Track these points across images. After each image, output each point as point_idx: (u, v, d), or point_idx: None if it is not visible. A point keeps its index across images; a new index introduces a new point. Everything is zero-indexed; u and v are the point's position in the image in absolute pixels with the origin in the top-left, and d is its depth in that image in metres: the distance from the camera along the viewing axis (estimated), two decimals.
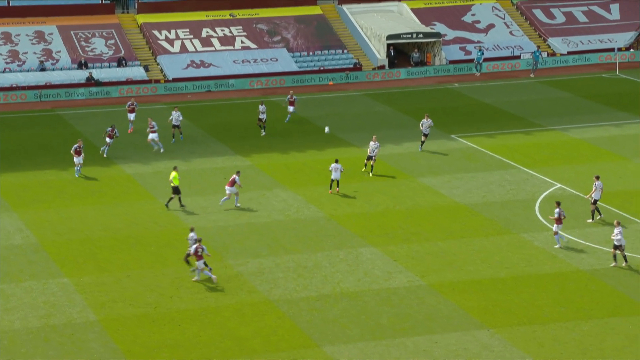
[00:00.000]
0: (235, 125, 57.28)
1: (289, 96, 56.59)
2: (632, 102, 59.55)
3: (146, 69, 66.89)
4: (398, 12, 74.22)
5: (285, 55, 69.26)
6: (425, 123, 50.55)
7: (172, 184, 43.32)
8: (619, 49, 69.75)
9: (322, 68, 68.65)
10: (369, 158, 47.59)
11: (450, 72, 68.83)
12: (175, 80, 66.27)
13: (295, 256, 38.29)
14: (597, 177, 40.95)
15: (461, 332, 31.97)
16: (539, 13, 73.95)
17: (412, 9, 73.49)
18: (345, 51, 70.34)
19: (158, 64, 67.75)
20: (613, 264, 36.86)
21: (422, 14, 73.07)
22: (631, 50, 70.43)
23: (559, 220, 38.22)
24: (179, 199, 43.52)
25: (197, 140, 54.33)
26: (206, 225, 41.70)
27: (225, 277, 36.60)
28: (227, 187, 43.38)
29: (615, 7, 74.00)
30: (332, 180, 44.98)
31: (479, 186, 45.95)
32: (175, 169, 43.83)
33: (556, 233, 38.38)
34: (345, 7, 73.34)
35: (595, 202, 40.64)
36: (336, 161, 45.07)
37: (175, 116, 53.08)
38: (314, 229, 41.22)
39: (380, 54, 69.72)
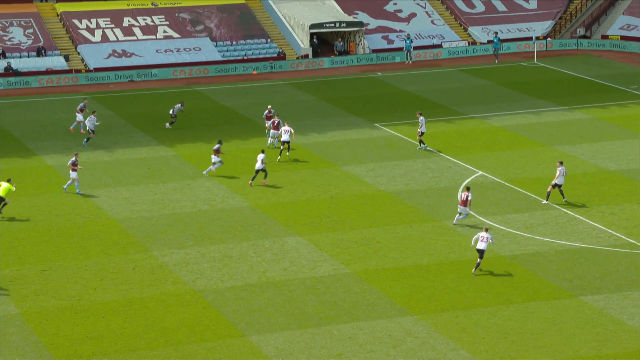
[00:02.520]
0: (159, 115, 56.85)
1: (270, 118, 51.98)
2: (550, 90, 60.67)
3: (66, 58, 65.97)
4: (321, 2, 74.39)
5: (208, 44, 68.94)
6: (421, 120, 48.96)
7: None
8: (537, 38, 70.98)
9: (245, 57, 68.50)
10: (283, 143, 47.62)
11: (374, 61, 69.30)
12: (96, 70, 65.48)
13: (220, 246, 38.24)
14: (561, 163, 41.59)
15: (386, 318, 32.32)
16: (459, 2, 74.84)
17: None
18: (269, 40, 70.29)
19: (79, 54, 66.87)
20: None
21: (345, 4, 73.39)
22: (548, 39, 71.72)
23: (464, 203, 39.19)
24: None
25: (120, 131, 53.82)
26: (130, 216, 41.40)
27: (150, 268, 36.40)
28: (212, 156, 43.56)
29: None
30: (257, 171, 44.93)
31: (402, 174, 46.40)
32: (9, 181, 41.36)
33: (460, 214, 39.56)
34: None
35: (555, 185, 41.19)
36: (262, 152, 45.13)
37: (93, 120, 51.16)
38: (239, 219, 41.21)
39: (303, 43, 69.83)
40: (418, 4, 74.28)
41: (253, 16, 71.98)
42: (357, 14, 72.72)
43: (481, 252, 35.51)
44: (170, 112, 53.54)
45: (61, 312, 32.89)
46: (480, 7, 74.47)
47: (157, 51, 67.72)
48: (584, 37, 72.36)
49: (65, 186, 43.96)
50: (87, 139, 50.55)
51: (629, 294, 33.57)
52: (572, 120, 54.40)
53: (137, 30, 69.09)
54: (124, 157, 49.40)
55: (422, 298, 33.82)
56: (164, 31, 69.43)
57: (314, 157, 49.26)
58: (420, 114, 49.22)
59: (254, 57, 68.60)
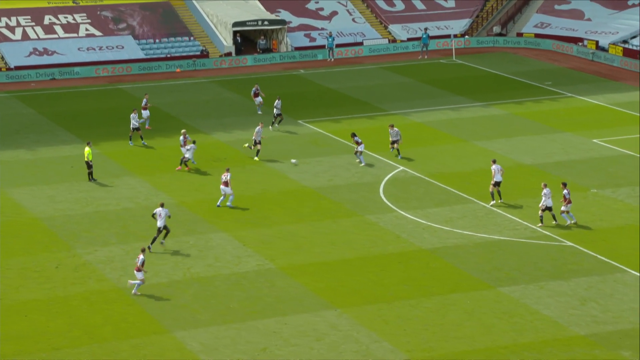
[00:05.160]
0: (82, 113, 56.56)
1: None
2: (468, 86, 61.87)
3: None
4: (244, 0, 74.64)
5: (131, 42, 68.68)
6: (393, 132, 48.09)
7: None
8: (455, 36, 72.29)
9: (169, 55, 68.43)
10: (256, 143, 47.76)
11: (296, 58, 69.81)
12: (17, 68, 64.77)
13: (145, 243, 38.29)
14: (494, 161, 42.09)
15: (310, 313, 32.82)
16: (379, 1, 75.76)
17: None
18: (192, 38, 70.31)
19: None
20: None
21: (268, 2, 73.75)
22: (466, 37, 73.08)
23: (567, 201, 39.08)
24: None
25: (43, 129, 53.42)
26: (53, 215, 41.23)
27: (74, 266, 36.36)
28: (221, 187, 42.04)
29: None
30: (186, 159, 45.68)
31: (325, 170, 46.98)
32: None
33: (565, 212, 39.22)
34: None
35: (496, 184, 41.70)
36: (194, 142, 46.25)
37: None
38: None
39: (226, 41, 70.01)
40: (339, 3, 75.01)
41: (176, 14, 71.91)
42: (280, 12, 73.15)
43: (550, 208, 38.34)
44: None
45: None
46: (400, 6, 75.49)
47: (79, 49, 67.24)
48: (500, 35, 73.89)
49: None
50: None
51: (545, 284, 34.64)
52: (489, 116, 55.62)
53: (58, 29, 68.50)
54: (47, 156, 49.08)
55: (346, 292, 34.41)
56: (86, 29, 68.95)
57: (238, 154, 49.55)
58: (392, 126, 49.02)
59: (177, 55, 68.57)
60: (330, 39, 69.66)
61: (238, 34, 70.22)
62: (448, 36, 72.07)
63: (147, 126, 53.01)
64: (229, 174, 42.06)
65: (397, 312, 32.82)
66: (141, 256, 33.99)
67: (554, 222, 39.53)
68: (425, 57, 69.60)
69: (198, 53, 69.09)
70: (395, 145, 47.83)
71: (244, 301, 33.71)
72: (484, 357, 29.84)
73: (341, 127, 53.85)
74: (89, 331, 31.63)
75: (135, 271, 34.10)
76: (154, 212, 37.88)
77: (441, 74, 65.27)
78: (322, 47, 70.50)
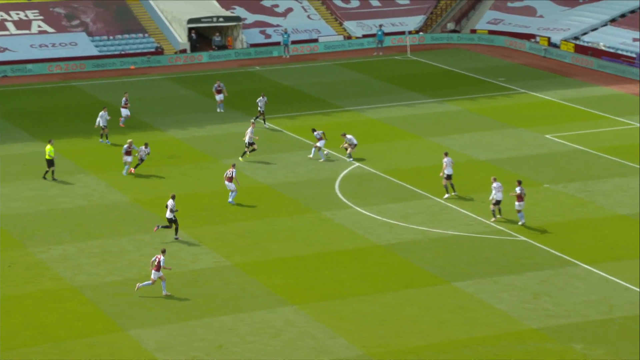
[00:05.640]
0: (35, 111, 56.09)
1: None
2: (423, 82, 62.24)
3: None
4: None
5: (84, 39, 68.19)
6: (349, 139, 46.80)
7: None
8: (410, 32, 72.68)
9: (123, 52, 68.04)
10: (250, 143, 47.45)
11: (252, 55, 69.75)
12: None
13: (100, 241, 38.14)
14: (446, 154, 42.47)
15: (266, 309, 32.87)
16: None
17: None
18: (146, 35, 69.97)
19: None
20: (493, 220, 39.35)
21: None
22: (421, 33, 73.50)
23: (520, 198, 38.96)
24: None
25: None
26: (6, 213, 40.85)
27: (27, 265, 36.07)
28: (226, 183, 41.97)
29: None
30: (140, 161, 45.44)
31: (281, 167, 47.03)
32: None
33: (518, 211, 39.18)
34: None
35: (448, 177, 42.09)
36: (146, 145, 45.60)
37: None
38: (118, 214, 41.14)
39: (181, 37, 69.76)
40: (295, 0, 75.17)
41: (130, 11, 71.50)
42: (235, 8, 73.05)
43: (499, 202, 39.13)
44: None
45: None
46: (355, 3, 75.72)
47: (31, 46, 66.64)
48: (454, 31, 74.39)
49: None
50: None
51: (498, 278, 34.99)
52: (443, 112, 56.00)
53: (10, 25, 67.80)
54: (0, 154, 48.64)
55: (302, 288, 34.51)
56: (39, 26, 68.33)
57: (194, 151, 49.45)
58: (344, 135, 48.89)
59: (131, 52, 68.19)
60: (285, 36, 69.70)
61: (193, 31, 69.99)
62: (403, 33, 72.44)
63: (121, 124, 52.55)
64: (234, 169, 41.93)
65: (353, 308, 32.97)
66: (161, 257, 33.61)
67: (499, 216, 39.91)
68: (380, 53, 69.88)
69: (153, 50, 68.76)
70: (349, 150, 47.65)
71: (199, 299, 33.67)
72: (438, 352, 30.09)
73: (296, 124, 53.92)
74: (43, 331, 31.42)
75: (153, 271, 33.55)
76: (168, 204, 38.24)
77: (396, 71, 65.58)
78: (278, 43, 70.52)
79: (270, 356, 29.97)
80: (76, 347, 30.46)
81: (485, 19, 74.00)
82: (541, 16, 72.43)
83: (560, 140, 50.34)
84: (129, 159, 45.24)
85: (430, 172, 45.81)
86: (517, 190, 39.25)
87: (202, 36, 71.41)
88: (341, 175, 45.78)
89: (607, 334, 30.95)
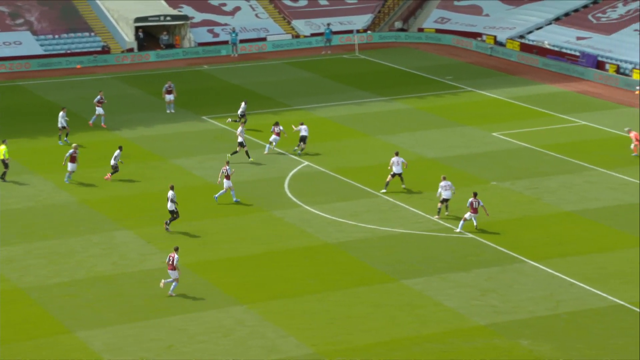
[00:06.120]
0: None
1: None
2: (371, 81, 62.50)
3: None
4: None
5: (29, 38, 67.44)
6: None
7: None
8: (358, 31, 72.95)
9: (69, 51, 67.42)
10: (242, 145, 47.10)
11: (200, 54, 69.52)
12: None
13: (47, 242, 37.79)
14: (397, 153, 42.97)
15: (216, 309, 32.82)
16: None
17: None
18: (93, 34, 69.39)
19: None
20: (436, 217, 39.56)
21: None
22: (369, 32, 73.80)
23: (474, 210, 38.40)
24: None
25: None
26: None
27: None
28: (224, 181, 41.64)
29: None
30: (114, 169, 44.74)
31: (230, 166, 46.86)
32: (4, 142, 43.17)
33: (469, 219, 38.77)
34: None
35: (393, 175, 42.51)
36: (119, 148, 44.87)
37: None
38: (66, 214, 40.80)
39: (128, 36, 69.29)
40: None
41: (76, 10, 70.85)
42: (182, 7, 72.74)
43: (447, 200, 39.38)
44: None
45: None
46: (303, 1, 75.79)
47: None
48: (402, 30, 74.81)
49: None
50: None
51: (447, 276, 35.29)
52: (392, 111, 56.30)
53: None
54: None
55: (252, 287, 34.51)
56: None
57: (142, 150, 49.18)
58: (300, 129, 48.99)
59: (77, 51, 67.59)
60: (233, 35, 69.57)
61: (140, 30, 69.56)
62: (351, 31, 72.66)
63: (102, 124, 52.11)
64: (229, 166, 41.95)
65: (303, 306, 33.05)
66: (175, 255, 33.46)
67: (446, 213, 40.24)
68: (329, 52, 70.05)
69: (99, 49, 68.21)
70: (302, 144, 47.79)
71: (148, 299, 33.52)
72: (388, 349, 30.28)
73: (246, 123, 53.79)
74: None
75: (169, 270, 33.44)
76: (168, 195, 38.56)
77: (344, 69, 65.78)
78: (226, 42, 70.37)
79: (220, 356, 29.94)
80: (23, 349, 30.16)
81: (432, 18, 74.51)
82: (487, 15, 73.13)
83: (507, 138, 50.88)
84: (72, 167, 44.03)
85: (379, 170, 46.03)
86: (471, 201, 38.58)
87: (149, 35, 70.98)
88: (290, 174, 45.82)
89: (553, 329, 31.37)
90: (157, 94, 58.68)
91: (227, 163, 42.48)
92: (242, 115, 51.94)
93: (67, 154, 44.25)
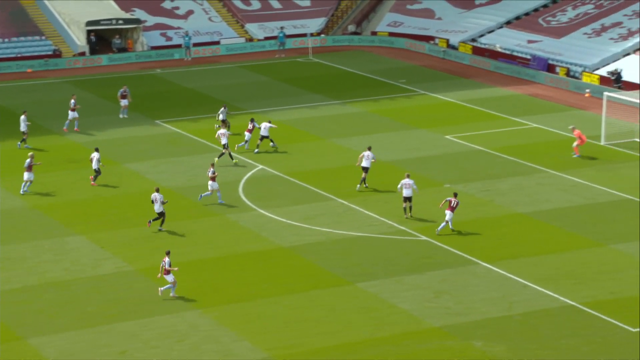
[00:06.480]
0: None
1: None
2: (325, 84, 62.62)
3: None
4: None
5: None
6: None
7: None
8: (312, 35, 73.07)
9: (19, 55, 66.73)
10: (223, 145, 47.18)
11: (153, 58, 69.20)
12: None
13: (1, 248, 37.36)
14: (369, 148, 43.81)
15: (170, 314, 32.67)
16: (236, 0, 75.91)
17: None
18: (44, 38, 68.75)
19: None
20: (407, 216, 40.08)
21: (122, 0, 72.85)
22: (322, 35, 73.96)
23: (452, 209, 38.67)
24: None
25: None
26: None
27: None
28: (209, 183, 41.58)
29: None
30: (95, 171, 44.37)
31: (184, 170, 46.77)
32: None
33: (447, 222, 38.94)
34: None
35: (363, 169, 43.19)
36: (96, 150, 44.50)
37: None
38: (17, 220, 40.36)
39: (80, 40, 68.76)
40: (195, 2, 74.73)
41: (26, 13, 70.15)
42: (135, 11, 72.35)
43: (408, 199, 39.73)
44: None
45: None
46: (256, 5, 75.77)
47: None
48: (355, 33, 75.06)
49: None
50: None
51: (401, 278, 35.45)
52: (346, 114, 56.44)
53: None
54: None
55: (207, 291, 34.39)
56: None
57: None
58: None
59: (28, 55, 66.94)
60: (186, 38, 69.33)
61: (92, 33, 69.06)
62: (304, 35, 72.77)
63: (75, 128, 51.75)
64: (213, 168, 42.06)
65: (258, 310, 33.01)
66: (167, 259, 33.51)
67: (408, 215, 40.45)
68: (282, 55, 70.08)
69: (50, 53, 67.60)
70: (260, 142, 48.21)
71: (102, 305, 33.28)
72: (343, 352, 30.34)
73: (199, 127, 53.69)
74: None
75: (164, 275, 33.38)
76: (151, 197, 38.69)
77: (298, 73, 65.84)
78: (179, 46, 70.11)
79: None
80: None
81: (385, 21, 74.84)
82: (440, 18, 73.61)
83: (460, 141, 51.24)
84: (29, 176, 43.38)
85: (333, 173, 46.14)
86: (450, 199, 38.96)
87: (101, 39, 70.49)
88: (245, 177, 45.75)
89: (506, 330, 31.64)
90: (109, 98, 58.30)
91: (212, 165, 42.53)
92: (224, 121, 51.69)
93: (25, 164, 43.43)
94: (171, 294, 33.65)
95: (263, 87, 62.26)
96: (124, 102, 54.98)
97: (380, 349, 30.49)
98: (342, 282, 35.15)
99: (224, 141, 47.18)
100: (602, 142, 50.27)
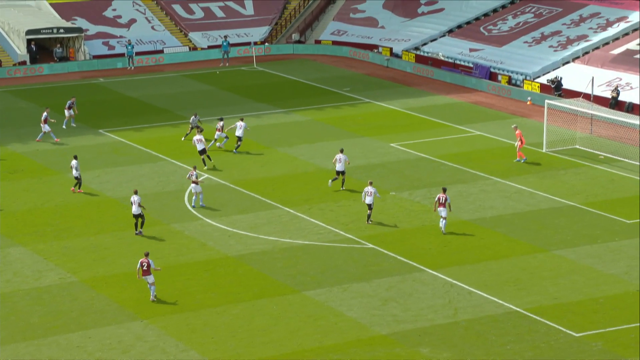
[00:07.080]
0: None
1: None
2: (270, 93, 62.60)
3: None
4: (37, 7, 72.70)
5: None
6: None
7: None
8: (255, 43, 73.02)
9: None
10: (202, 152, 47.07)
11: (95, 67, 68.59)
12: None
13: None
14: (341, 150, 44.65)
15: (115, 325, 32.35)
16: (178, 8, 75.57)
17: (51, 4, 72.42)
18: None
19: None
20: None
21: (62, 9, 72.13)
22: (266, 44, 73.95)
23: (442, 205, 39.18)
24: None
25: None
26: None
27: None
28: (192, 186, 42.02)
29: (249, 3, 77.25)
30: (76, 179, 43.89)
31: (129, 179, 46.39)
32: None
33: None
34: None
35: (337, 173, 44.13)
36: (75, 158, 44.28)
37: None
38: None
39: (20, 49, 67.91)
40: (138, 10, 74.25)
41: None
42: (76, 19, 71.68)
43: (369, 205, 40.20)
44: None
45: None
46: (199, 13, 75.51)
47: None
48: (299, 42, 75.17)
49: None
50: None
51: (348, 286, 35.49)
52: (291, 122, 56.46)
53: None
54: None
55: (152, 302, 34.09)
56: None
57: (36, 165, 48.20)
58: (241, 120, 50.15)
59: None
60: (129, 47, 68.85)
61: (32, 42, 68.25)
62: (248, 43, 72.70)
63: (37, 139, 51.08)
64: (195, 172, 42.26)
65: (203, 320, 32.82)
66: (147, 259, 33.64)
67: (370, 221, 40.59)
68: (227, 64, 69.91)
69: None
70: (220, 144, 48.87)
71: (45, 316, 32.83)
72: None
73: (143, 136, 53.31)
74: None
75: (144, 276, 33.48)
76: (131, 199, 39.13)
77: (242, 81, 65.72)
78: (122, 55, 69.58)
79: None
80: None
81: (329, 30, 75.06)
82: (383, 27, 74.02)
83: (404, 149, 51.51)
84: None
85: (279, 182, 46.09)
86: (440, 196, 39.47)
87: (42, 48, 69.69)
88: (190, 187, 45.46)
89: (452, 337, 31.83)
90: (52, 107, 57.61)
91: (194, 168, 42.72)
92: (198, 127, 51.32)
93: None
94: (151, 297, 33.68)
95: (207, 96, 62.03)
96: (68, 113, 54.37)
97: (327, 358, 30.48)
98: (288, 290, 35.10)
99: (200, 147, 46.97)
100: (544, 150, 50.90)
